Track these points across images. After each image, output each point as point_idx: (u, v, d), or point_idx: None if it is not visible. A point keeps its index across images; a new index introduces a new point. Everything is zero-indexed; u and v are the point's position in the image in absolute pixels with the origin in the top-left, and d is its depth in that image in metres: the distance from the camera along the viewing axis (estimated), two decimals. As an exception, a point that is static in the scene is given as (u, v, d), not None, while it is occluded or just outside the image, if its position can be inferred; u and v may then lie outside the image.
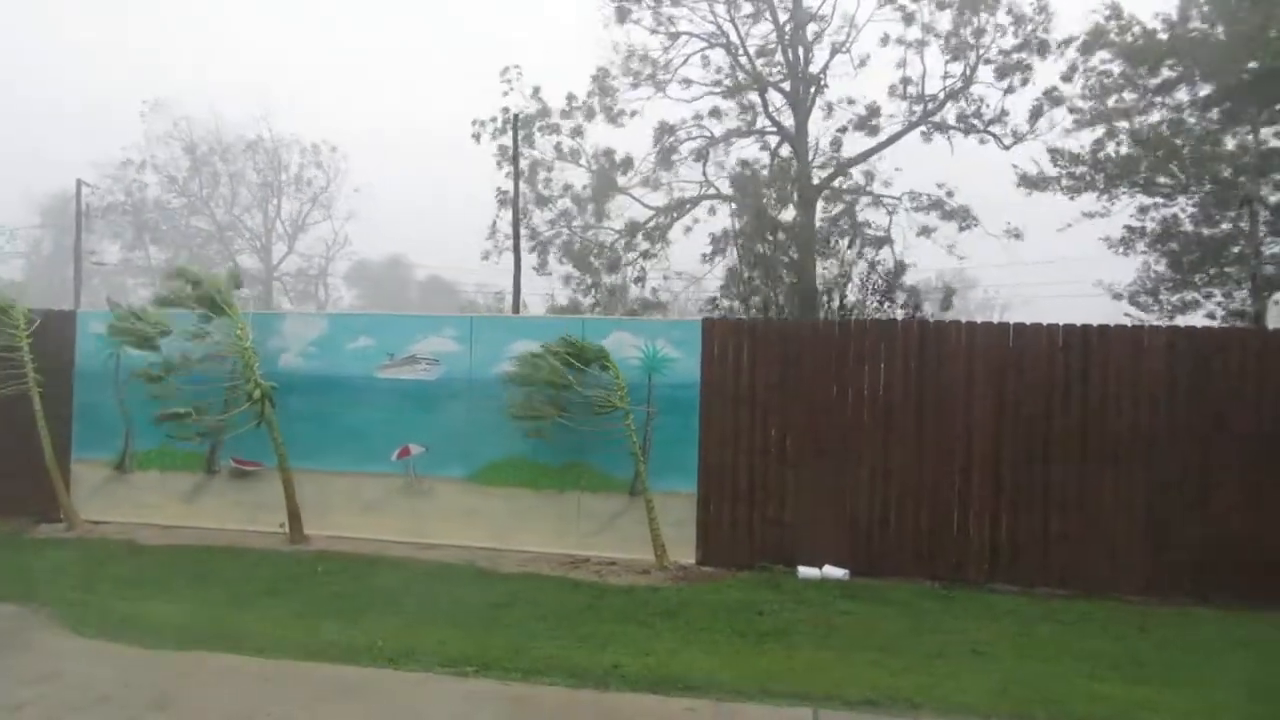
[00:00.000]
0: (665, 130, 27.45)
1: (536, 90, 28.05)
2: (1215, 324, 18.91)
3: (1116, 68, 22.07)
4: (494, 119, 28.15)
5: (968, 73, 25.49)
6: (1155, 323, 18.95)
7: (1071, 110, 23.38)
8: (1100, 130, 22.31)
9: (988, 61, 25.18)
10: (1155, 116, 21.53)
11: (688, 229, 27.92)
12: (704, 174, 27.79)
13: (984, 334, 8.86)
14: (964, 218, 25.38)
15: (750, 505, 9.08)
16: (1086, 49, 22.71)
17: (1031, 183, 22.96)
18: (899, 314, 19.49)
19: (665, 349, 9.42)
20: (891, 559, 8.71)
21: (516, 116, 27.22)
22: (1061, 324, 8.70)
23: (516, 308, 26.31)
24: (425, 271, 58.27)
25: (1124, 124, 21.95)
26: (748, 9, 27.16)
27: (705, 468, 9.17)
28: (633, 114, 27.58)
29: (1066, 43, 23.69)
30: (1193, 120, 20.69)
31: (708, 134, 27.73)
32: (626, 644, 6.49)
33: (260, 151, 50.31)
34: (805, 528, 8.88)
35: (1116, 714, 5.50)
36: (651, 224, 27.99)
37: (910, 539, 8.76)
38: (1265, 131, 19.62)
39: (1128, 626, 7.37)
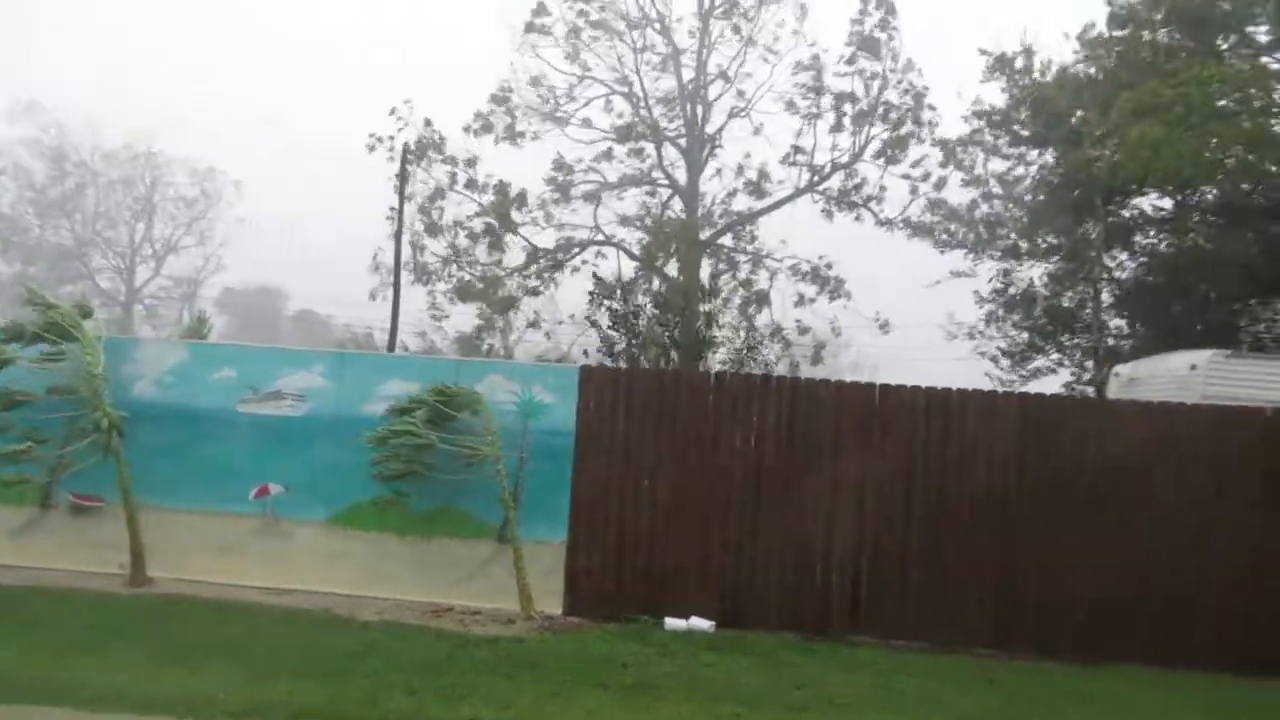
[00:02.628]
0: (562, 167, 27.68)
1: (429, 122, 27.84)
2: (1064, 391, 20.10)
3: (990, 134, 23.52)
4: (388, 138, 27.65)
5: (855, 149, 26.80)
6: (1010, 388, 20.02)
7: (958, 167, 24.81)
8: (974, 192, 23.79)
9: (873, 142, 26.57)
10: (1022, 182, 23.04)
11: (574, 270, 28.05)
12: (595, 218, 28.10)
13: (852, 392, 9.15)
14: (837, 290, 26.38)
15: (620, 555, 9.04)
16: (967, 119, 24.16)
17: (912, 227, 24.23)
18: (776, 370, 19.98)
19: (541, 395, 9.36)
20: (757, 611, 8.80)
21: (406, 151, 26.88)
22: (924, 386, 9.07)
23: (392, 345, 25.76)
24: (300, 303, 56.44)
25: (995, 187, 23.44)
26: (655, 60, 27.88)
27: (576, 516, 9.10)
28: (534, 136, 27.64)
29: (934, 125, 25.26)
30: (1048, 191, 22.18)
31: (601, 179, 28.11)
32: (486, 696, 6.32)
33: (137, 167, 48.04)
34: (674, 579, 8.89)
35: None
36: (542, 263, 28.02)
37: (776, 591, 8.88)
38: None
39: (978, 680, 7.63)
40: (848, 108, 26.54)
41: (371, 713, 5.84)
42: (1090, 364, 21.07)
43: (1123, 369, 13.12)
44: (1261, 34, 17.99)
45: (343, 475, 9.34)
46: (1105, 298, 21.42)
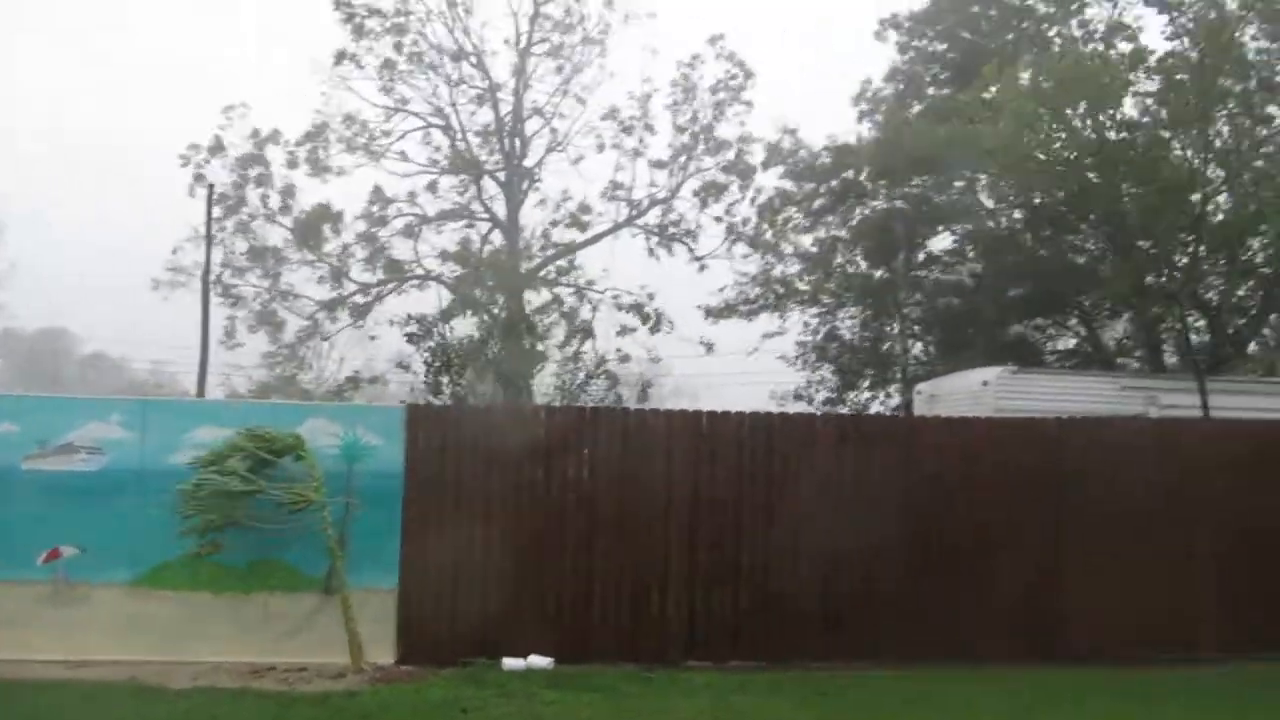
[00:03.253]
0: (379, 200, 26.99)
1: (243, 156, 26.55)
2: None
3: (789, 184, 24.75)
4: (203, 156, 26.24)
5: (674, 188, 27.62)
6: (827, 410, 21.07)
7: (747, 236, 25.91)
8: (769, 256, 24.88)
9: (696, 177, 27.43)
10: (816, 236, 24.31)
11: (396, 297, 27.32)
12: (415, 252, 27.54)
13: (681, 421, 9.36)
14: (658, 323, 26.95)
15: (454, 598, 8.81)
16: (765, 167, 25.32)
17: (716, 313, 25.04)
18: (605, 402, 20.16)
19: (366, 436, 9.04)
20: (596, 644, 8.78)
21: (211, 190, 25.53)
22: (749, 411, 9.40)
23: (201, 390, 24.20)
24: (92, 344, 52.06)
25: (789, 246, 24.62)
26: (472, 93, 27.68)
27: (407, 561, 8.81)
28: (339, 172, 26.81)
29: (751, 170, 26.41)
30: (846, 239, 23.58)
31: (420, 212, 27.61)
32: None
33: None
34: (511, 619, 8.74)
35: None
36: (357, 299, 27.16)
37: (614, 623, 8.91)
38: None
39: (809, 692, 7.91)
40: (664, 146, 27.35)
41: (189, 789, 5.42)
42: (896, 389, 22.42)
43: (924, 387, 14.11)
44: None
45: (148, 532, 8.63)
46: (908, 328, 22.93)
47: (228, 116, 26.71)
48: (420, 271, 27.56)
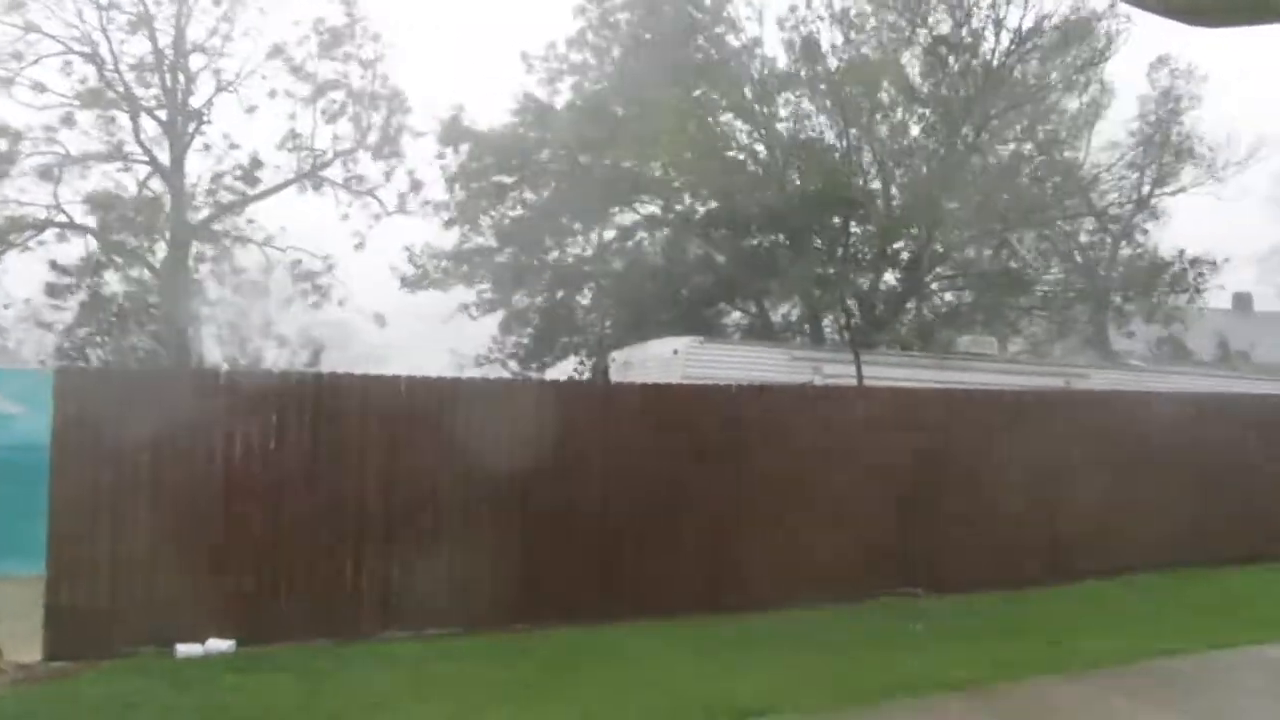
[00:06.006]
0: (8, 135, 23.07)
1: None
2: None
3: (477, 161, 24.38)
4: None
5: (358, 138, 26.11)
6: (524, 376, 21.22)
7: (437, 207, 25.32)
8: (465, 228, 24.49)
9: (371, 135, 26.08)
10: (512, 211, 24.23)
11: (25, 251, 23.59)
12: (55, 195, 23.93)
13: (378, 386, 8.98)
14: (326, 294, 25.58)
15: (114, 583, 7.85)
16: (446, 140, 24.69)
17: (411, 283, 24.26)
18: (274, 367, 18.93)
19: (3, 404, 7.81)
20: (284, 623, 8.24)
21: None
22: (451, 377, 9.24)
23: None
24: None
25: (485, 219, 24.36)
26: (123, 20, 24.31)
27: (58, 545, 7.68)
28: None
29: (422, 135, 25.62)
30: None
31: (62, 151, 24.00)
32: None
33: None
34: (184, 602, 7.95)
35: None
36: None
37: (303, 599, 8.40)
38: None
39: (511, 653, 7.97)
40: (339, 96, 25.77)
41: None
42: (584, 356, 23.03)
43: (618, 354, 14.67)
44: None
45: None
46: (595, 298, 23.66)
47: None
48: (62, 219, 24.06)
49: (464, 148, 23.98)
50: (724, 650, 8.18)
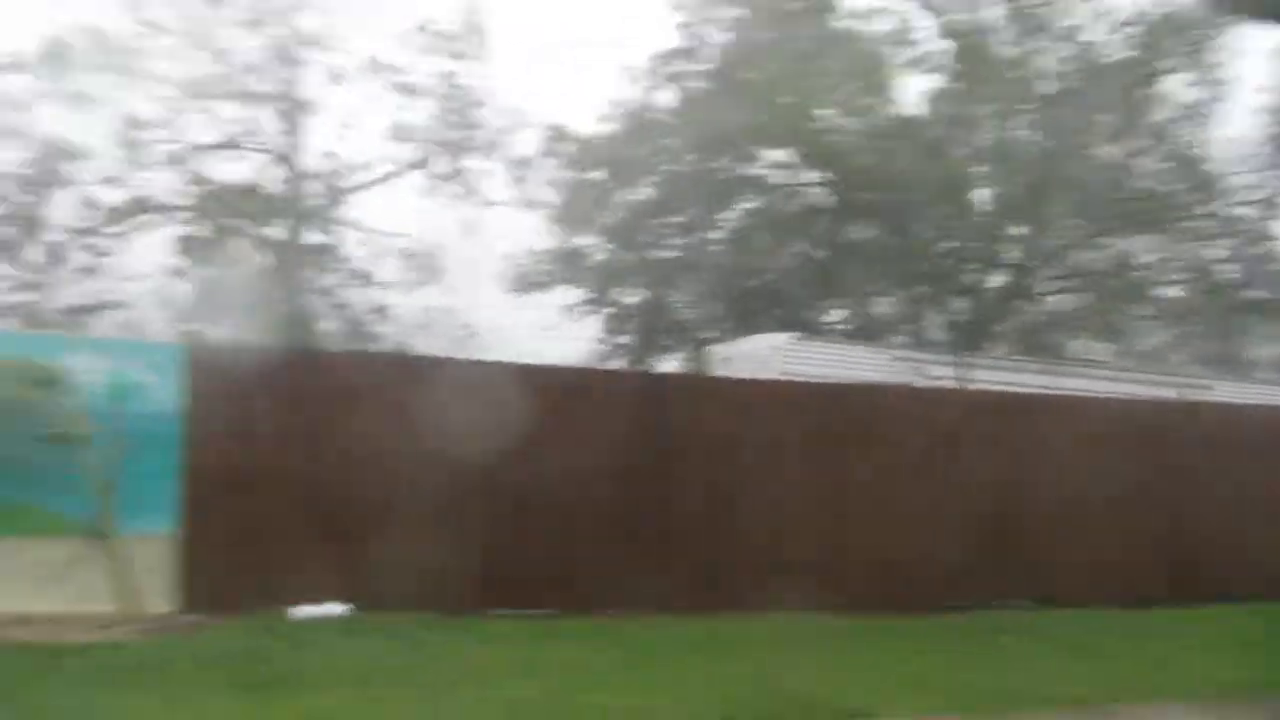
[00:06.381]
0: (134, 124, 24.37)
1: None
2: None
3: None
4: None
5: (464, 136, 26.65)
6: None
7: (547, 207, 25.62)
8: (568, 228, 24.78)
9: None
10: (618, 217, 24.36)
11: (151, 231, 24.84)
12: (180, 180, 25.17)
13: (483, 372, 9.21)
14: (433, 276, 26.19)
15: (241, 545, 8.29)
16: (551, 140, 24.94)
17: (522, 285, 24.69)
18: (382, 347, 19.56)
19: (139, 373, 8.31)
20: (393, 592, 8.52)
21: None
22: (559, 365, 9.41)
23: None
24: None
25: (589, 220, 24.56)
26: (239, 15, 25.40)
27: (189, 506, 8.17)
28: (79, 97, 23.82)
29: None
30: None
31: (184, 140, 25.20)
32: (94, 715, 5.51)
33: None
34: (304, 566, 8.32)
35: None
36: (110, 225, 24.51)
37: (413, 570, 8.66)
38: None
39: (605, 638, 8.07)
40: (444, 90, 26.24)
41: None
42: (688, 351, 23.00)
43: (717, 349, 14.74)
44: None
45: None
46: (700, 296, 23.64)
47: None
48: (184, 202, 25.26)
49: (568, 147, 24.36)
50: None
